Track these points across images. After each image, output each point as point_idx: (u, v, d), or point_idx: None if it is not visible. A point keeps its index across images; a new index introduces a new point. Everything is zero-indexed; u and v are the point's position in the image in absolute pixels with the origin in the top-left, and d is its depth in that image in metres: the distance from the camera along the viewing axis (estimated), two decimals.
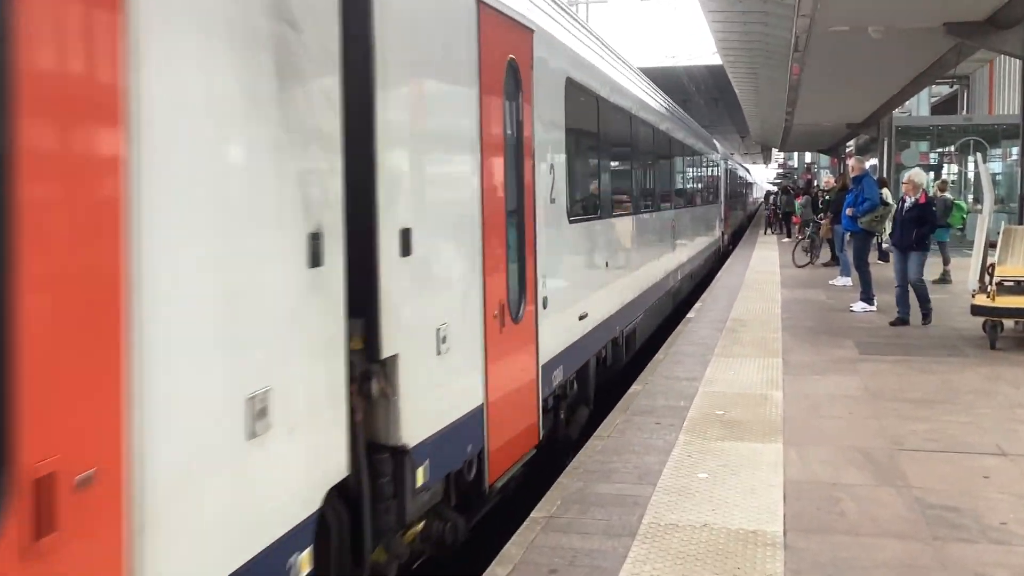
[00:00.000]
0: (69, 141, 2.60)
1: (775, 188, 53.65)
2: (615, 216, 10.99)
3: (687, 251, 19.14)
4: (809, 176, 54.82)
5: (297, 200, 3.78)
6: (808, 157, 69.27)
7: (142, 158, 2.82)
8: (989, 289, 11.69)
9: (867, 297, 15.05)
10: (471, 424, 5.68)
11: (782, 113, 34.70)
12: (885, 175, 28.21)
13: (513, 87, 6.69)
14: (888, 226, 16.10)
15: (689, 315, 15.12)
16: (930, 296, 13.41)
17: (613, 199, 11.06)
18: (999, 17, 15.86)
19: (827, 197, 22.58)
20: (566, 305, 8.10)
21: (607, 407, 9.04)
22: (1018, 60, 18.03)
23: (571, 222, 8.41)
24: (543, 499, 6.30)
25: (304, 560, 3.81)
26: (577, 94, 8.88)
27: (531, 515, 5.98)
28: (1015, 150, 27.56)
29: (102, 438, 2.66)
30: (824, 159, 60.02)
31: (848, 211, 15.64)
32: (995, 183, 21.50)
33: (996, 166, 31.06)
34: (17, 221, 2.37)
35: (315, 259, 3.85)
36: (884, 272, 17.66)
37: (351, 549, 4.44)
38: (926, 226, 13.17)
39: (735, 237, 37.94)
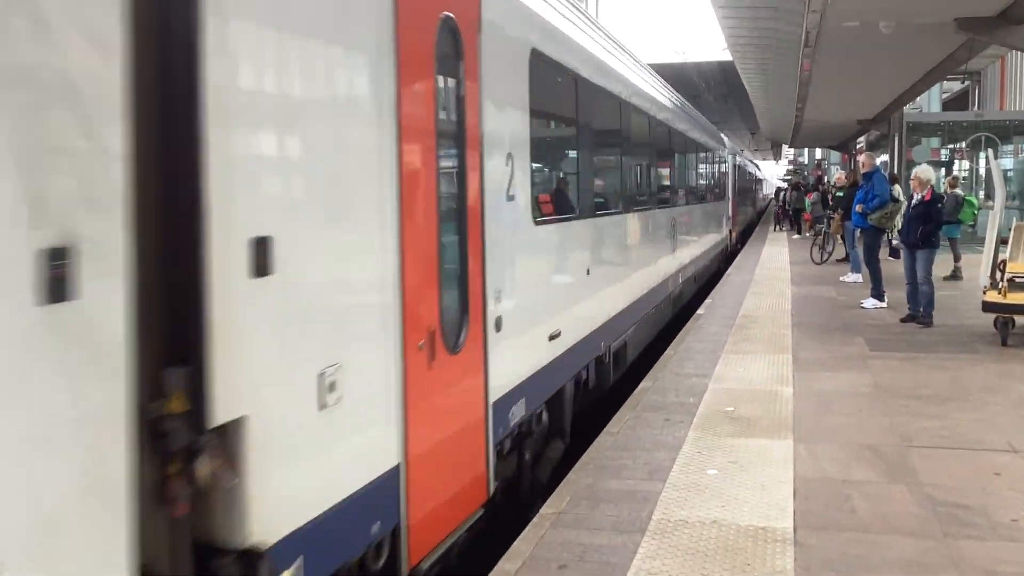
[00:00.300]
0: None
1: (785, 184, 53.59)
2: (600, 216, 9.63)
3: (690, 252, 17.68)
4: (819, 172, 54.65)
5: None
6: (819, 153, 69.08)
7: None
8: (1000, 286, 11.64)
9: (878, 294, 15.01)
10: (379, 495, 4.40)
11: (792, 109, 34.59)
12: (896, 171, 28.13)
13: (450, 54, 5.36)
14: (899, 223, 16.06)
15: (699, 311, 15.09)
16: (934, 298, 13.14)
17: (598, 196, 9.88)
18: (1011, 13, 15.79)
19: (838, 194, 22.48)
20: (530, 324, 6.84)
21: (591, 433, 8.06)
22: None
23: (539, 223, 7.11)
24: (552, 495, 6.30)
25: None
26: (548, 71, 7.59)
27: (540, 511, 5.99)
28: None
29: None
30: (835, 155, 59.85)
31: (858, 207, 15.60)
32: (1006, 179, 21.42)
33: (1007, 162, 30.92)
34: None
35: (56, 289, 2.58)
36: (895, 268, 17.60)
37: None
38: (931, 223, 12.95)
39: (744, 235, 37.43)
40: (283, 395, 3.69)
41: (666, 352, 11.48)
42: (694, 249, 18.58)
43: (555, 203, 8.03)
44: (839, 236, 22.39)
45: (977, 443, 7.36)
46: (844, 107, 32.48)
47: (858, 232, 17.09)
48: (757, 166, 69.02)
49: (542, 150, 7.74)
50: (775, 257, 25.76)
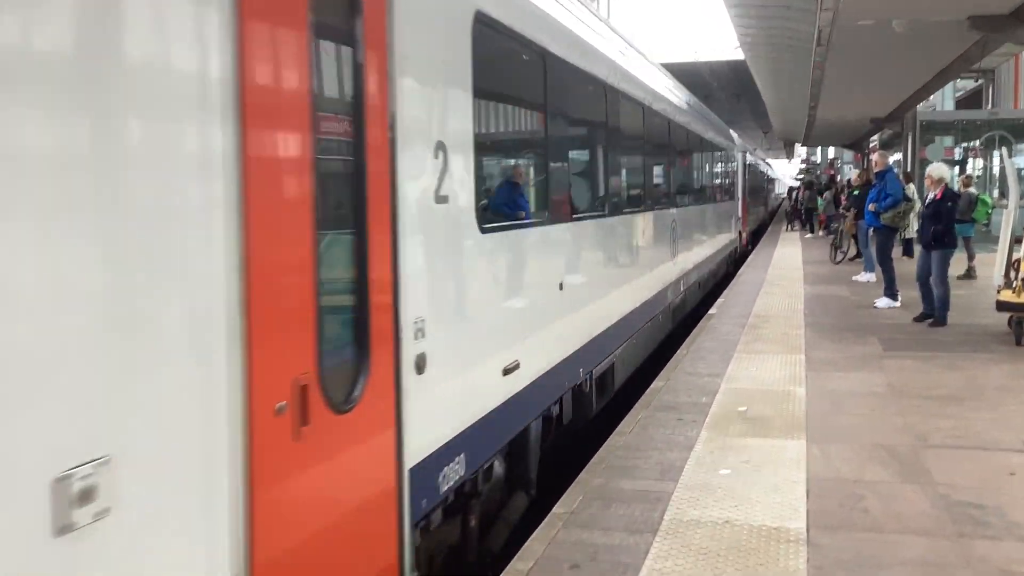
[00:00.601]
0: None
1: (797, 183, 53.44)
2: (579, 220, 8.28)
3: (693, 256, 16.14)
4: (832, 171, 54.49)
5: None
6: (831, 152, 68.90)
7: None
8: (1015, 285, 11.57)
9: (891, 293, 14.95)
10: None
11: (805, 108, 34.50)
12: (909, 170, 28.02)
13: (338, 8, 4.13)
14: (913, 221, 15.99)
15: (711, 311, 15.06)
16: (949, 299, 12.96)
17: (575, 197, 8.56)
18: None
19: (854, 192, 22.39)
20: (474, 359, 5.54)
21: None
22: None
23: (488, 231, 5.74)
24: (564, 495, 6.30)
25: None
26: (502, 42, 6.30)
27: (552, 511, 5.99)
28: None
29: None
30: (848, 154, 59.66)
31: (871, 207, 15.55)
32: (1020, 178, 21.32)
33: (1022, 160, 30.76)
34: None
35: None
36: (908, 268, 17.53)
37: None
38: (941, 223, 12.74)
39: (756, 235, 37.01)
40: None
41: (678, 352, 11.46)
42: (699, 253, 17.05)
43: (514, 206, 6.80)
44: (852, 235, 22.30)
45: (992, 443, 7.32)
46: (857, 105, 32.38)
47: (871, 231, 17.03)
48: (769, 165, 68.82)
49: (496, 142, 6.73)
50: (788, 257, 25.70)
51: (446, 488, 5.06)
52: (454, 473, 5.16)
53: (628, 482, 6.52)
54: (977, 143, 30.89)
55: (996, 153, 29.22)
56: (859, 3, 15.59)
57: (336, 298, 4.13)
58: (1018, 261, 11.83)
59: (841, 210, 24.22)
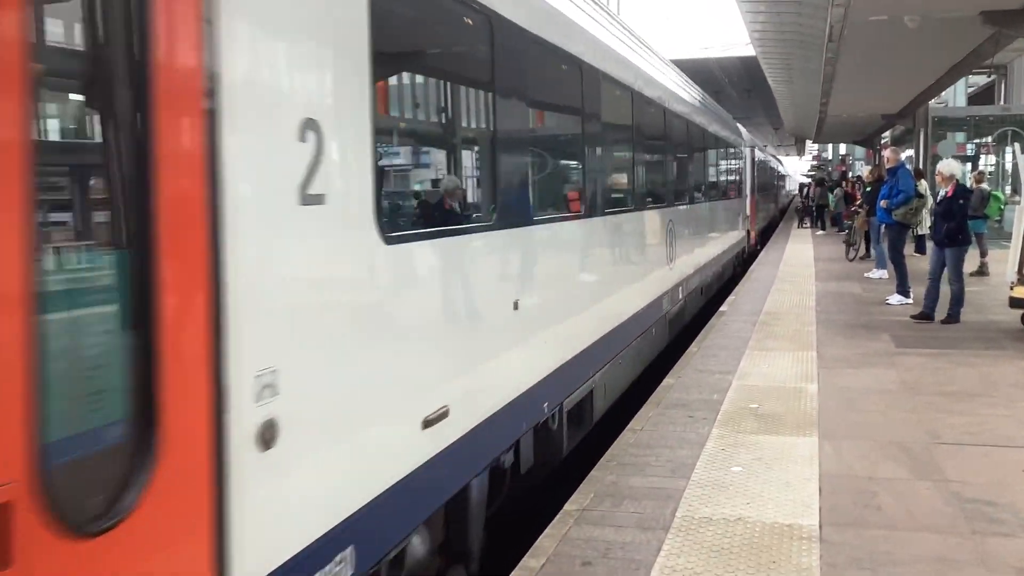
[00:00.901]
0: None
1: (809, 180, 53.29)
2: (541, 223, 6.89)
3: (694, 259, 14.71)
4: (844, 168, 54.34)
5: None
6: (843, 148, 68.71)
7: None
8: None
9: (903, 290, 14.88)
10: None
11: (816, 104, 34.43)
12: (921, 166, 27.93)
13: None
14: (926, 218, 15.92)
15: (722, 308, 15.03)
16: (964, 296, 12.81)
17: (539, 195, 7.28)
18: None
19: (867, 189, 22.32)
20: (371, 414, 4.18)
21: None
22: None
23: (395, 241, 4.40)
24: (576, 492, 6.30)
25: None
26: None
27: (564, 508, 5.99)
28: None
29: None
30: (859, 150, 59.48)
31: (882, 203, 15.49)
32: None
33: None
34: None
35: None
36: (920, 264, 17.47)
37: None
38: (954, 220, 12.59)
39: (766, 233, 36.42)
40: None
41: (689, 349, 11.44)
42: (700, 255, 15.63)
43: (438, 207, 5.66)
44: (864, 232, 22.22)
45: (1005, 439, 7.29)
46: (869, 102, 32.30)
47: (883, 228, 16.97)
48: (780, 161, 68.59)
49: (418, 124, 5.75)
50: (799, 253, 25.63)
51: None
52: None
53: (639, 479, 6.51)
54: (989, 139, 30.77)
55: (1008, 149, 29.10)
56: None
57: (83, 349, 2.92)
58: None
59: (854, 208, 24.10)
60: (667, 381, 9.59)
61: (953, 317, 12.68)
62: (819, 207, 37.78)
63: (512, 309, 6.01)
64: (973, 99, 44.06)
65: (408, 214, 5.59)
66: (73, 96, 3.14)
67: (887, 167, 16.47)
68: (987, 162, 31.65)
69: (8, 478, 2.28)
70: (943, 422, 7.78)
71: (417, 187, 5.93)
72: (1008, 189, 28.27)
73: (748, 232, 26.63)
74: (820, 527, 5.52)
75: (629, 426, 7.92)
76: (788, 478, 6.38)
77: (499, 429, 5.78)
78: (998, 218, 21.26)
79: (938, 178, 13.18)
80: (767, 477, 6.41)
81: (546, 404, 6.73)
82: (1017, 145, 18.78)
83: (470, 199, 6.25)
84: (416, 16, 5.16)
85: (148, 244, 2.86)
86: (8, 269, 2.36)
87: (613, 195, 9.45)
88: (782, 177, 65.53)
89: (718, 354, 10.95)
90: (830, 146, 74.74)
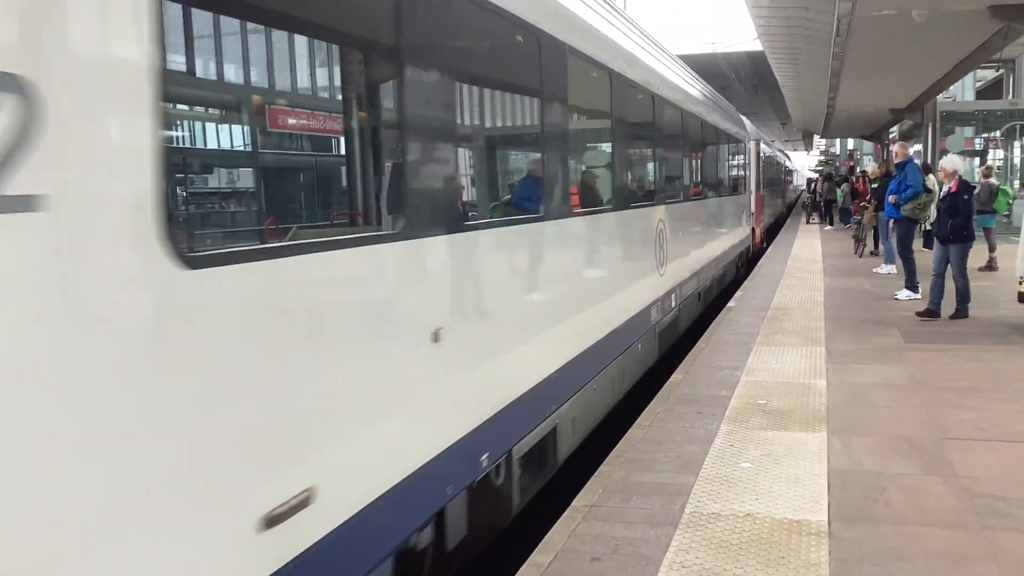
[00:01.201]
0: None
1: (816, 175, 53.20)
2: (477, 228, 5.69)
3: (691, 262, 13.56)
4: (851, 163, 54.21)
5: None
6: (850, 143, 68.52)
7: None
8: None
9: (912, 285, 14.85)
10: None
11: (824, 99, 34.30)
12: (929, 161, 27.84)
13: None
14: (934, 212, 15.86)
15: (730, 304, 15.01)
16: (969, 291, 12.73)
17: (478, 192, 6.68)
18: None
19: (873, 184, 22.26)
20: (142, 530, 2.80)
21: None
22: None
23: (203, 263, 3.07)
24: (584, 488, 6.29)
25: None
26: None
27: (572, 504, 5.98)
28: None
29: None
30: (867, 145, 59.32)
31: (891, 198, 15.46)
32: None
33: None
34: None
35: None
36: (929, 260, 17.42)
37: None
38: (959, 216, 12.48)
39: (773, 230, 35.89)
40: None
41: (697, 344, 11.42)
42: (697, 258, 14.40)
43: (293, 206, 4.38)
44: (872, 227, 22.16)
45: (1015, 435, 7.26)
46: (876, 96, 32.18)
47: (891, 223, 16.93)
48: (787, 156, 68.39)
49: (233, 88, 3.96)
50: (807, 249, 25.57)
51: None
52: None
53: (648, 475, 6.50)
54: (998, 133, 30.68)
55: (1017, 143, 29.02)
56: None
57: None
58: None
59: (863, 203, 24.01)
60: (675, 377, 9.58)
61: (961, 312, 12.63)
62: (827, 202, 37.70)
63: (430, 341, 4.72)
64: (981, 93, 43.92)
65: (223, 222, 3.81)
66: None
67: (895, 162, 16.43)
68: (995, 157, 31.54)
69: None
70: (953, 417, 7.76)
71: (224, 185, 3.78)
72: (1016, 184, 28.18)
73: (753, 230, 25.50)
74: (829, 523, 5.51)
75: (637, 422, 7.91)
76: (797, 474, 6.37)
77: (406, 503, 4.45)
78: (1007, 213, 21.20)
79: (940, 174, 13.12)
80: (776, 473, 6.40)
81: (486, 456, 5.41)
82: None
83: (354, 197, 4.94)
84: None
85: None
86: None
87: (585, 192, 8.37)
88: (789, 172, 65.36)
89: (726, 349, 10.93)
90: (838, 141, 74.52)
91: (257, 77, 3.71)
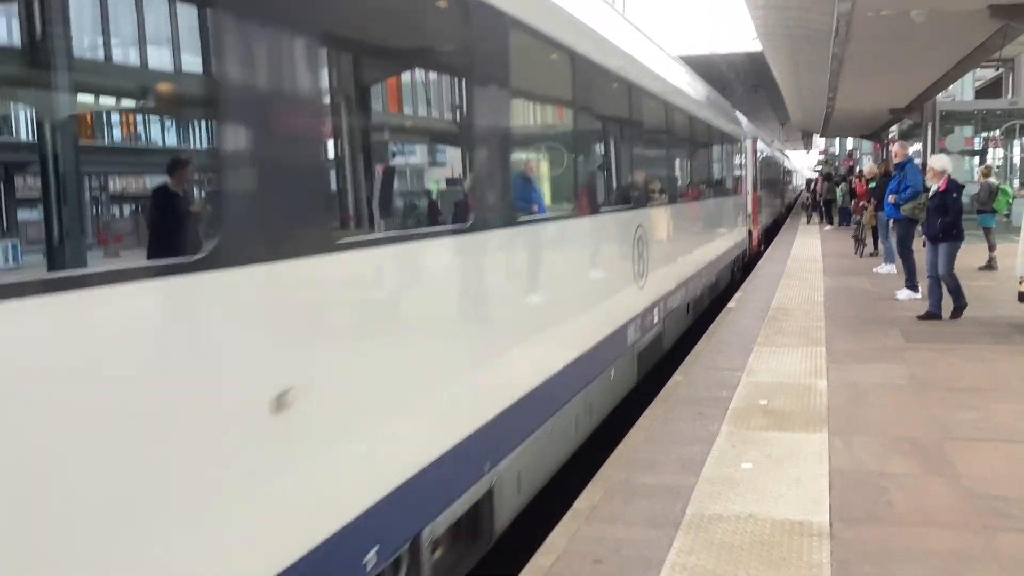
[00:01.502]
0: None
1: (816, 175, 53.20)
2: (367, 244, 4.40)
3: (677, 271, 12.31)
4: (851, 163, 54.24)
5: None
6: (850, 143, 68.55)
7: None
8: None
9: (912, 285, 14.85)
10: None
11: (823, 99, 34.34)
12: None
13: None
14: None
15: (730, 304, 15.01)
16: (962, 289, 12.64)
17: (380, 198, 5.01)
18: None
19: (872, 185, 22.27)
20: None
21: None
22: None
23: None
24: (586, 489, 6.29)
25: None
26: None
27: (574, 505, 5.99)
28: None
29: None
30: (867, 145, 59.37)
31: (890, 198, 15.46)
32: None
33: None
34: None
35: None
36: None
37: None
38: (948, 215, 12.42)
39: (771, 233, 35.00)
40: None
41: (697, 346, 11.42)
42: (687, 266, 13.20)
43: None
44: (872, 227, 22.15)
45: (1016, 434, 7.26)
46: (876, 96, 32.21)
47: (891, 223, 16.93)
48: (786, 155, 68.33)
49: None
50: (807, 249, 25.57)
51: None
52: None
53: (650, 476, 6.50)
54: (997, 132, 30.70)
55: (1016, 142, 29.03)
56: None
57: None
58: None
59: (862, 203, 23.99)
60: (676, 378, 9.58)
61: (959, 310, 12.58)
62: (827, 202, 37.72)
63: (267, 412, 3.41)
64: (981, 93, 43.94)
65: None
66: None
67: (895, 162, 16.42)
68: (995, 156, 31.57)
69: None
70: (953, 417, 7.76)
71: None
72: (1016, 183, 28.19)
73: (750, 232, 24.18)
74: (831, 523, 5.51)
75: (638, 423, 7.91)
76: (798, 474, 6.37)
77: None
78: (1006, 212, 21.19)
79: (929, 173, 13.07)
80: (777, 474, 6.40)
81: (373, 552, 4.14)
82: None
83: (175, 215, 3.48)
84: None
85: None
86: None
87: (528, 193, 6.91)
88: (789, 172, 65.27)
89: (727, 350, 10.93)
90: (837, 141, 74.55)
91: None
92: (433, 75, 5.83)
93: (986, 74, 43.01)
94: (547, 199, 7.52)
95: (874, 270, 18.90)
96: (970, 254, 13.01)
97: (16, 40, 2.83)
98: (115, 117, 3.67)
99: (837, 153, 76.12)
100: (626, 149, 9.93)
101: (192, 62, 3.47)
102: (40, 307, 2.54)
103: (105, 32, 3.22)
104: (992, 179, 20.34)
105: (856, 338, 11.42)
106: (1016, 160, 31.33)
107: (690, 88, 14.90)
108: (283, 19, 3.60)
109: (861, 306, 14.27)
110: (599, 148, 9.22)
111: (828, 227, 35.40)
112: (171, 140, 3.84)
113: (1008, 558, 5.00)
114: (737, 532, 5.41)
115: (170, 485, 2.96)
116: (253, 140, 3.42)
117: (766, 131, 57.20)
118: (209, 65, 3.29)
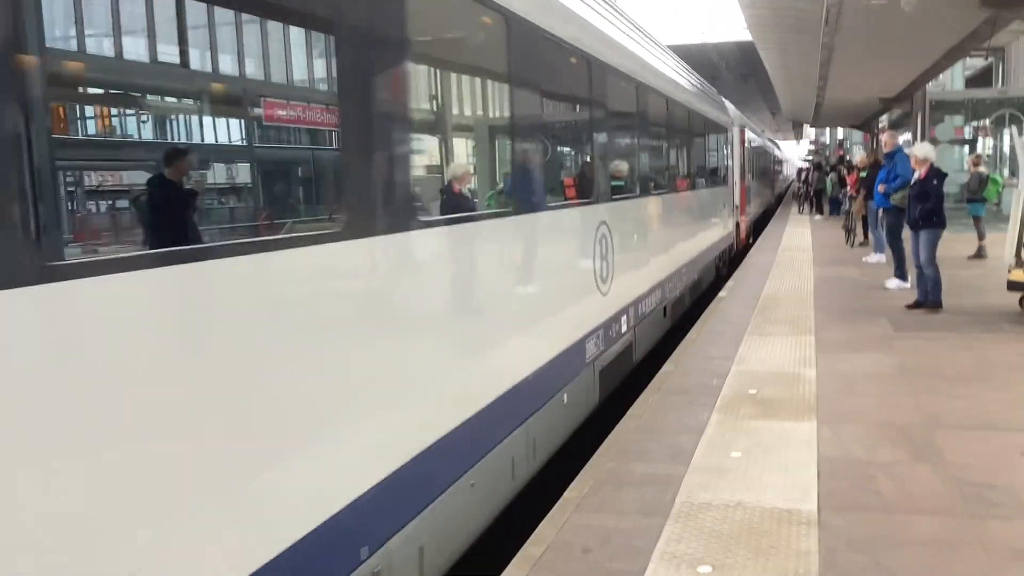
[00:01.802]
0: None
1: (806, 165, 53.24)
2: (213, 255, 3.30)
3: (651, 273, 11.35)
4: (841, 152, 54.30)
5: None
6: (840, 133, 68.58)
7: None
8: None
9: (901, 274, 14.89)
10: None
11: (813, 88, 34.30)
12: None
13: None
14: None
15: (721, 293, 15.05)
16: (941, 280, 12.50)
17: (273, 194, 4.79)
18: None
19: (861, 174, 22.29)
20: None
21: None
22: None
23: None
24: (576, 479, 6.31)
25: None
26: None
27: (564, 495, 6.00)
28: None
29: None
30: (857, 134, 59.41)
31: (880, 187, 15.48)
32: None
33: None
34: None
35: None
36: None
37: None
38: (929, 202, 12.38)
39: (761, 224, 34.47)
40: None
41: (688, 335, 11.45)
42: (663, 265, 12.21)
43: None
44: (862, 217, 22.18)
45: (1004, 423, 7.30)
46: (866, 85, 32.19)
47: (880, 212, 16.96)
48: (776, 145, 68.27)
49: None
50: (797, 238, 25.63)
51: None
52: None
53: (640, 465, 6.52)
54: (987, 122, 30.73)
55: (1007, 131, 29.07)
56: None
57: None
58: None
59: (851, 193, 24.00)
60: (667, 367, 9.60)
61: (935, 303, 12.49)
62: (817, 192, 37.76)
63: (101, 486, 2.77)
64: (971, 82, 43.99)
65: None
66: None
67: (884, 151, 16.44)
68: (984, 145, 31.61)
69: None
70: (942, 405, 7.80)
71: None
72: (1006, 172, 28.23)
73: (737, 225, 23.08)
74: (819, 511, 5.53)
75: (629, 412, 7.94)
76: (787, 463, 6.40)
77: None
78: (996, 201, 21.23)
79: (912, 161, 13.07)
80: (766, 462, 6.43)
81: None
82: (1015, 128, 18.77)
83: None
84: None
85: None
86: None
87: (458, 192, 5.85)
88: (779, 161, 65.21)
89: (717, 339, 10.96)
90: (827, 130, 74.58)
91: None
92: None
93: (976, 63, 43.05)
94: (479, 195, 6.51)
95: (864, 259, 18.94)
96: (960, 243, 13.01)
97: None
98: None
99: (828, 143, 76.16)
100: (585, 134, 8.90)
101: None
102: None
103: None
104: (982, 168, 20.38)
105: (845, 327, 11.46)
106: (1006, 149, 31.36)
107: (667, 69, 13.64)
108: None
109: (850, 295, 14.31)
110: (549, 133, 7.86)
111: (818, 217, 35.47)
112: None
113: (995, 545, 5.04)
114: (726, 520, 5.43)
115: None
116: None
117: (757, 120, 57.18)
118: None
